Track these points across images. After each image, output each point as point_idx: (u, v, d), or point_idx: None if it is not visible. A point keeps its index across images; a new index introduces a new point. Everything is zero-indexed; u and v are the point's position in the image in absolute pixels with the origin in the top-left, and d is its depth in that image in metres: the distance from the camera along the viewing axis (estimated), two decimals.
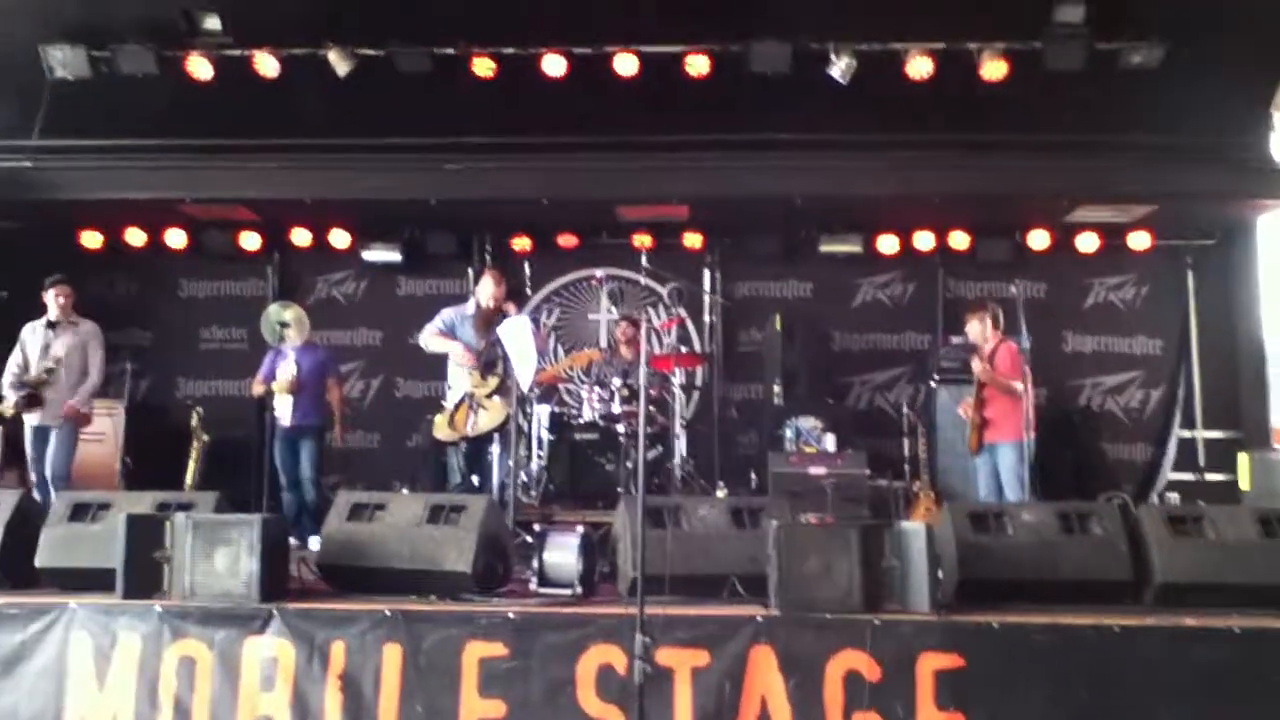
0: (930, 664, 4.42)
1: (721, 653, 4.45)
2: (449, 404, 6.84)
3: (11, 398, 7.01)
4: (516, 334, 6.12)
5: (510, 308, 6.94)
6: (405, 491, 7.05)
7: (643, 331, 4.47)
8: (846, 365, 9.80)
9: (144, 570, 4.77)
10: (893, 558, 4.65)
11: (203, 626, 4.60)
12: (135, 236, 9.88)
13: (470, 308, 7.02)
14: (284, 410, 7.66)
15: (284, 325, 7.43)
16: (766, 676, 4.42)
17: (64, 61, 8.21)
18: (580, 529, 5.08)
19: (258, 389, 7.95)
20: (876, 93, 8.03)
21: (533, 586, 5.05)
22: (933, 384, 8.75)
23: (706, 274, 9.88)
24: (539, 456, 8.09)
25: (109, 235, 9.87)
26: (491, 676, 4.47)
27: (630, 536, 4.93)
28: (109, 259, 9.98)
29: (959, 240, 9.58)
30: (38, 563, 5.07)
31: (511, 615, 4.55)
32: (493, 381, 6.69)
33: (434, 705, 4.46)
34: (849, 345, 9.86)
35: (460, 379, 6.83)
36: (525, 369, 6.13)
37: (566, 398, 9.05)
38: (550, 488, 7.85)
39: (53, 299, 7.27)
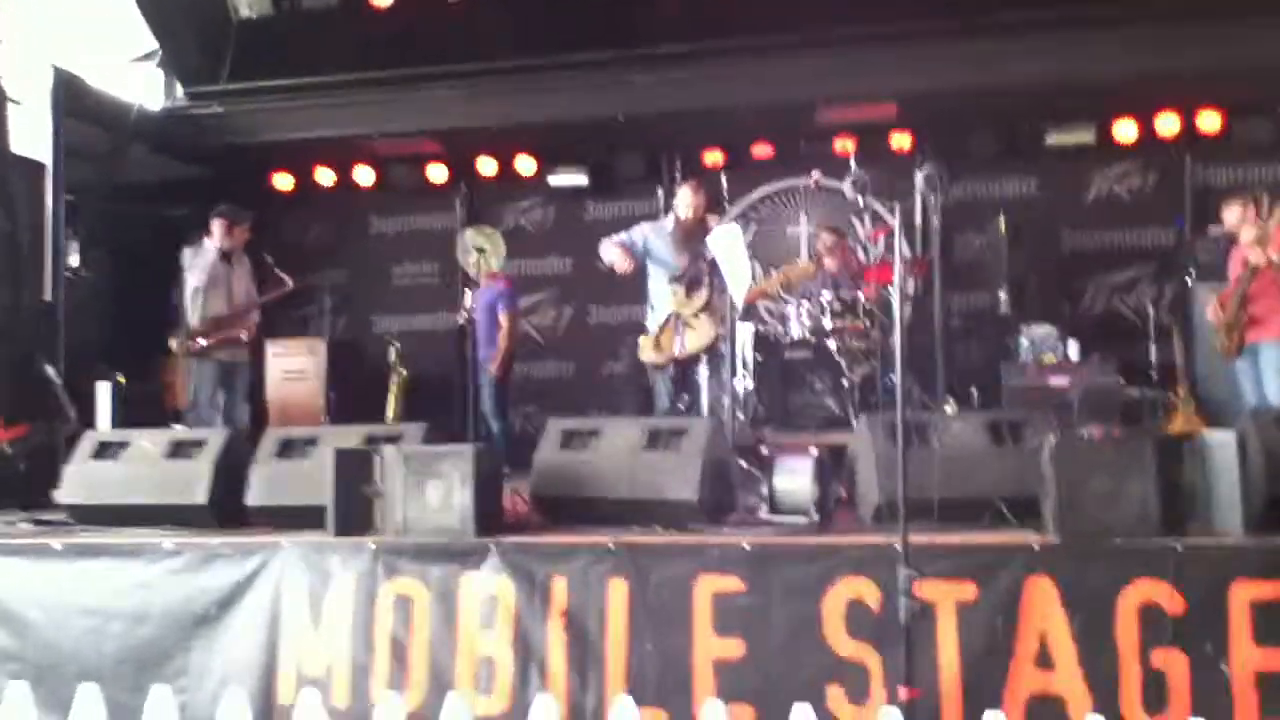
0: (1245, 593, 3.71)
1: (991, 586, 3.86)
2: (652, 325, 6.38)
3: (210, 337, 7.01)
4: (728, 244, 5.58)
5: (712, 220, 6.40)
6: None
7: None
8: (1079, 267, 8.85)
9: (355, 506, 4.53)
10: (1194, 474, 3.94)
11: (418, 563, 4.32)
12: (325, 176, 9.81)
13: (669, 222, 6.53)
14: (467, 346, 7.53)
15: (480, 251, 7.13)
16: (1045, 611, 3.81)
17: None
18: (814, 450, 4.55)
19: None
20: None
21: (763, 515, 4.59)
22: (1188, 281, 7.74)
23: (918, 177, 9.06)
24: (744, 377, 7.57)
25: (299, 177, 9.84)
26: (727, 612, 4.02)
27: (875, 457, 4.37)
28: (300, 201, 9.95)
29: (1209, 122, 8.43)
30: (248, 501, 4.91)
31: (747, 546, 4.08)
32: (699, 299, 6.20)
33: (665, 644, 4.05)
34: (1081, 245, 8.90)
35: (663, 298, 6.37)
36: (739, 282, 5.58)
37: (766, 316, 8.46)
38: (759, 410, 7.34)
39: (240, 235, 7.19)
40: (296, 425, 7.01)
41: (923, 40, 7.77)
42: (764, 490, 4.66)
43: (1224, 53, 7.55)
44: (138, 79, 9.02)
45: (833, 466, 4.82)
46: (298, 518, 4.74)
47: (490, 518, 4.42)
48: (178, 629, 4.44)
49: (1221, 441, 3.91)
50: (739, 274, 5.56)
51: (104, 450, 5.26)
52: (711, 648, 4.00)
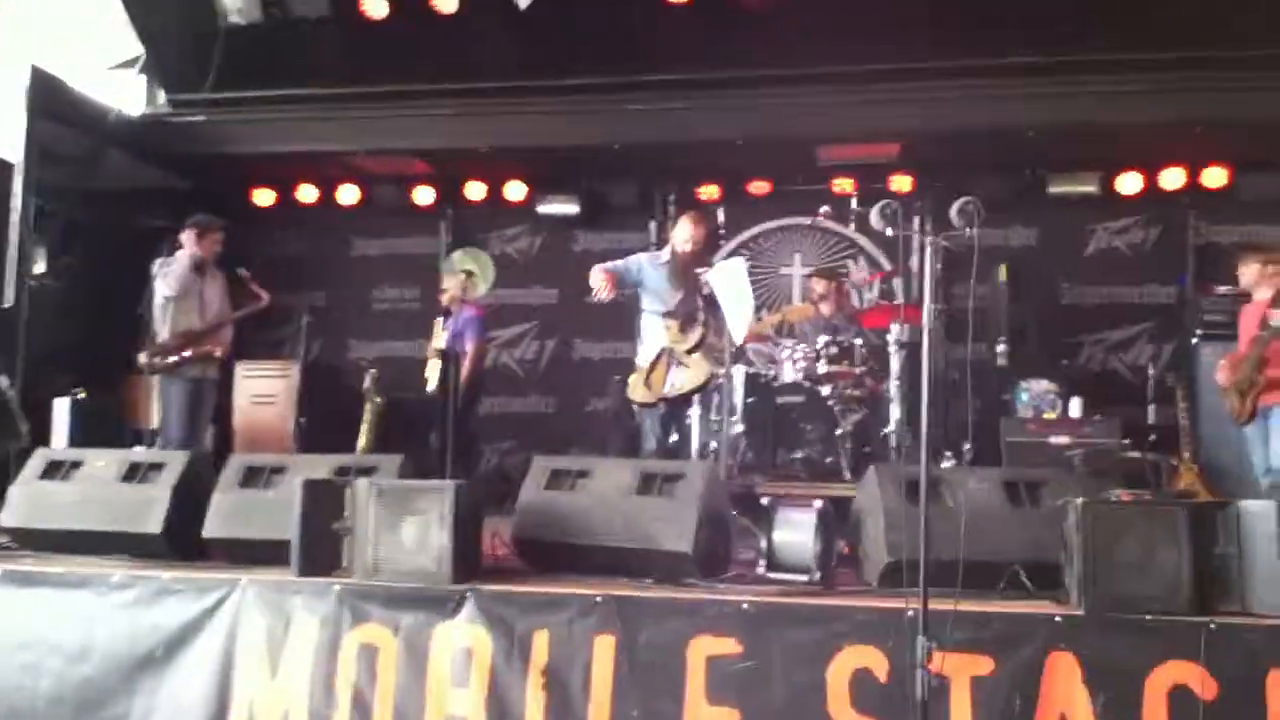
0: None
1: (1010, 659, 3.57)
2: (642, 361, 6.08)
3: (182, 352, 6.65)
4: (730, 278, 5.31)
5: (709, 256, 6.13)
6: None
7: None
8: (1076, 322, 8.64)
9: (322, 543, 4.20)
10: (1229, 545, 3.67)
11: (387, 609, 4.00)
12: (307, 193, 9.48)
13: (665, 254, 6.23)
14: (431, 375, 7.37)
15: (469, 274, 6.84)
16: (1068, 690, 3.53)
17: (236, 4, 7.83)
18: (818, 503, 4.25)
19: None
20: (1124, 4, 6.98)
21: (760, 570, 4.27)
22: (1193, 341, 7.53)
23: (916, 222, 8.87)
24: (732, 422, 7.28)
25: (281, 192, 9.52)
26: (722, 678, 3.71)
27: (884, 513, 4.08)
28: (280, 217, 9.62)
29: (1215, 177, 8.28)
30: (206, 533, 4.56)
31: (746, 605, 3.78)
32: (693, 336, 5.90)
33: (653, 709, 3.75)
34: (1080, 299, 8.69)
35: (655, 333, 6.06)
36: (740, 319, 5.31)
37: (754, 358, 8.18)
38: (749, 456, 7.06)
39: (210, 244, 6.85)
40: (264, 452, 6.66)
41: (930, 79, 7.57)
42: (761, 544, 4.35)
43: (1233, 106, 7.40)
44: (119, 87, 8.71)
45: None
46: (259, 553, 4.43)
47: (469, 562, 4.10)
48: (121, 670, 4.10)
49: (1260, 511, 3.65)
50: (741, 311, 5.28)
51: (54, 470, 4.92)
52: (704, 716, 3.70)
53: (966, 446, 7.39)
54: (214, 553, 4.61)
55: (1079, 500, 3.67)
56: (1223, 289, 7.45)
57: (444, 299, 7.72)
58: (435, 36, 7.76)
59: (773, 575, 4.21)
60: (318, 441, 7.49)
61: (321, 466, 4.74)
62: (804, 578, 4.15)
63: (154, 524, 4.61)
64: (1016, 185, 8.56)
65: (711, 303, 5.97)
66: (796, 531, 4.23)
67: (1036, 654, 3.55)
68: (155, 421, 7.43)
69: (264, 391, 8.41)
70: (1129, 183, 8.44)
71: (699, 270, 6.06)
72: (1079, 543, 3.62)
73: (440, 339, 7.46)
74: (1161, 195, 8.45)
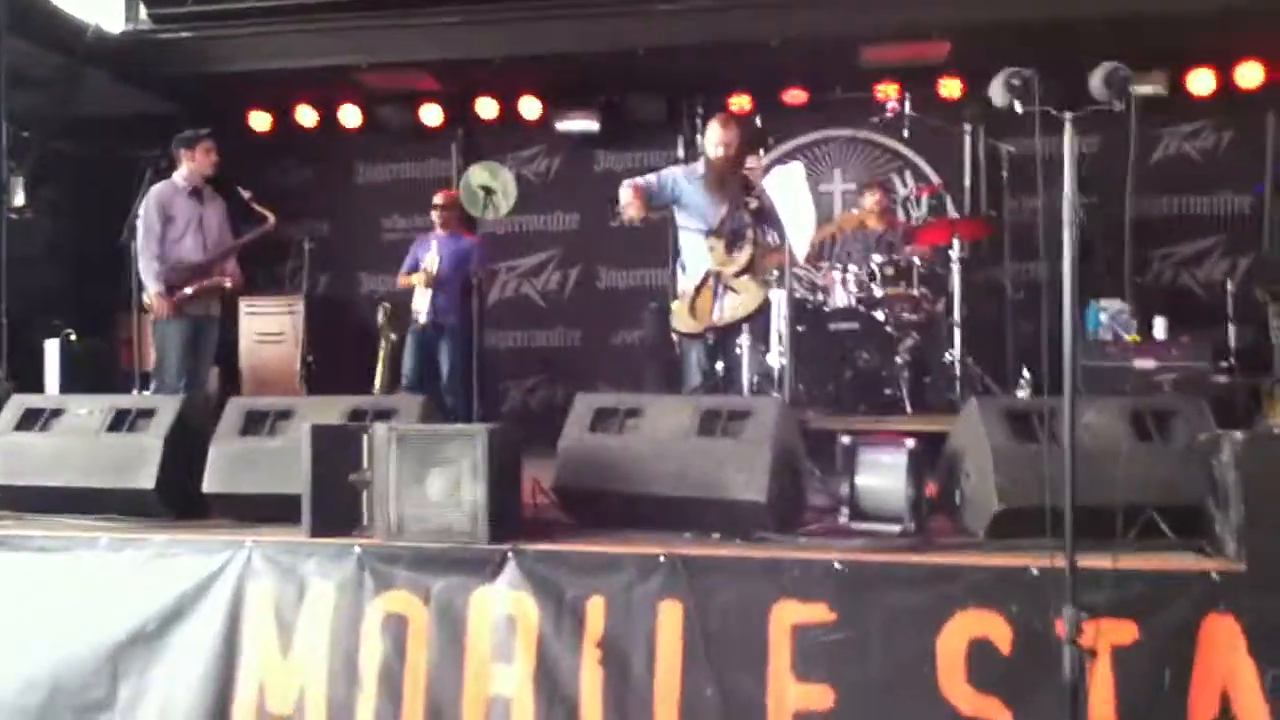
0: None
1: (1157, 625, 3.01)
2: (686, 286, 5.46)
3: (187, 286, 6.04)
4: (789, 185, 4.66)
5: (753, 161, 5.47)
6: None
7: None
8: (1143, 236, 7.98)
9: (337, 498, 3.63)
10: None
11: (416, 573, 3.45)
12: (306, 116, 8.83)
13: (700, 166, 5.57)
14: (421, 305, 6.96)
15: (488, 192, 6.19)
16: (1229, 662, 2.97)
17: None
18: (910, 442, 3.66)
19: (400, 282, 7.23)
20: None
21: (843, 521, 3.70)
22: None
23: (967, 130, 8.19)
24: (779, 352, 6.68)
25: (278, 115, 8.85)
26: (812, 650, 3.16)
27: (992, 453, 3.49)
28: (279, 143, 8.97)
29: None
30: (205, 487, 3.99)
31: (838, 564, 3.21)
32: (742, 257, 5.27)
33: (731, 688, 3.19)
34: (1147, 211, 8.02)
35: (698, 255, 5.43)
36: (802, 231, 4.68)
37: (794, 283, 7.54)
38: (799, 389, 6.47)
39: (204, 157, 6.19)
40: (272, 394, 6.10)
41: None
42: (838, 489, 3.78)
43: None
44: (98, 3, 7.99)
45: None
46: (266, 510, 3.87)
47: (508, 518, 3.52)
48: (106, 648, 3.56)
49: None
50: (803, 221, 4.65)
51: (31, 419, 4.33)
52: (791, 695, 3.14)
53: (1025, 375, 6.82)
54: (215, 510, 4.05)
55: (1238, 434, 3.07)
56: None
57: (438, 219, 7.22)
58: None
59: (858, 525, 3.65)
60: (329, 382, 6.93)
61: (333, 410, 4.16)
62: (896, 528, 3.59)
63: (146, 478, 4.04)
64: (1073, 86, 7.82)
65: (760, 216, 5.35)
66: (885, 475, 3.66)
67: (1189, 618, 2.99)
68: None
69: (270, 330, 7.86)
70: (1200, 81, 7.72)
71: (739, 180, 5.41)
72: (1237, 485, 3.03)
73: (432, 263, 6.96)
74: (1236, 95, 7.72)
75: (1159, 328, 6.54)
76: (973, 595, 3.09)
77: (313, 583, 3.50)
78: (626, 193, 5.32)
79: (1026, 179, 7.77)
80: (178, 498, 4.03)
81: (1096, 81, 2.84)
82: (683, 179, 5.56)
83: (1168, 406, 3.65)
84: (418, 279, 7.01)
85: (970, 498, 3.66)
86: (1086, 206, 7.30)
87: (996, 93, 2.90)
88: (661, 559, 3.29)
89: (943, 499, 3.97)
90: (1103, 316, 6.70)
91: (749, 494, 3.52)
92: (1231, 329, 7.14)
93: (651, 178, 5.55)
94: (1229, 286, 7.28)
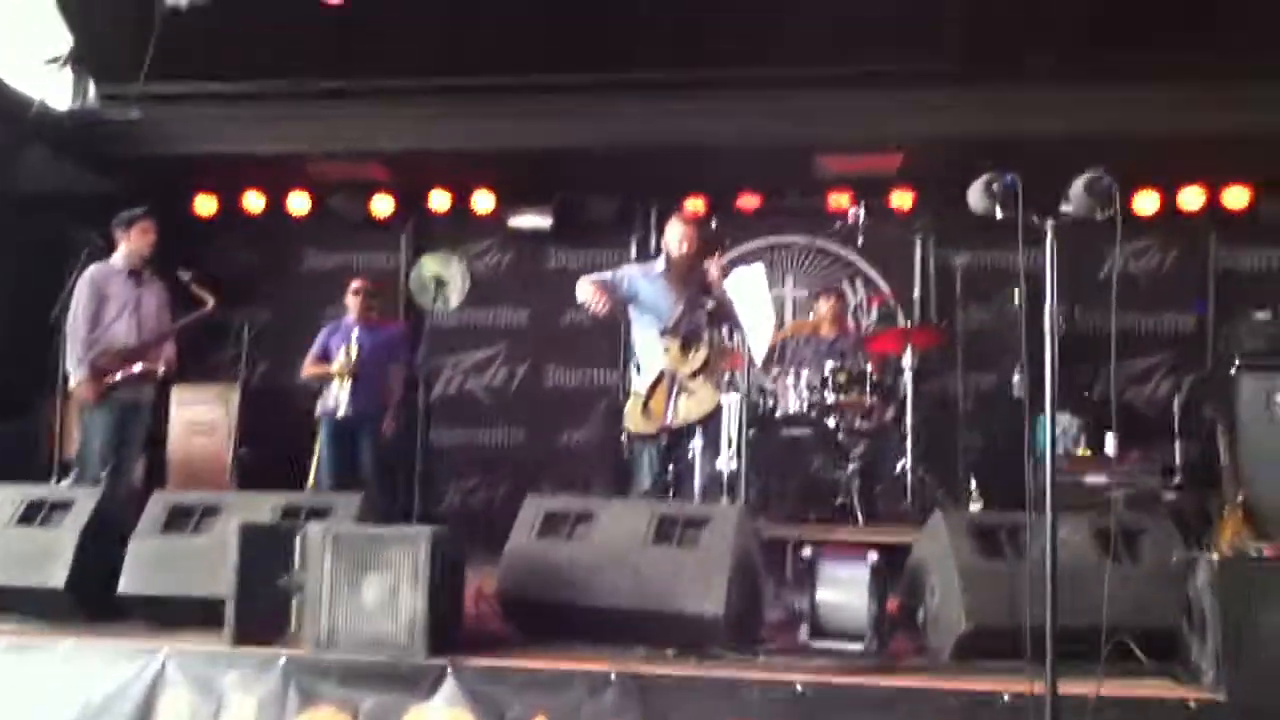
0: None
1: None
2: (639, 387, 5.32)
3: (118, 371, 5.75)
4: (750, 287, 4.59)
5: (711, 263, 5.38)
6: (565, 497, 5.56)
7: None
8: (1091, 351, 8.02)
9: (265, 603, 3.39)
10: None
11: (345, 689, 3.20)
12: (254, 201, 8.66)
13: (660, 264, 5.48)
14: (340, 397, 6.55)
15: (440, 283, 6.03)
16: None
17: None
18: (872, 556, 3.52)
19: (309, 370, 6.86)
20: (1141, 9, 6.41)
21: (802, 638, 3.53)
22: (1232, 371, 6.92)
23: (917, 241, 8.25)
24: (729, 457, 6.54)
25: (225, 199, 8.67)
26: None
27: (958, 569, 3.36)
28: (224, 227, 8.76)
29: (1236, 197, 7.75)
30: (122, 588, 3.72)
31: (799, 687, 3.02)
32: (697, 357, 5.15)
33: None
34: (1094, 327, 8.08)
35: (652, 354, 5.31)
36: (761, 333, 4.59)
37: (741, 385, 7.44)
38: (750, 495, 6.32)
39: (140, 237, 5.98)
40: (202, 488, 5.82)
41: (937, 85, 6.97)
42: (799, 604, 3.62)
43: (1257, 119, 6.88)
44: (48, 83, 7.82)
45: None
46: (185, 614, 3.60)
47: (448, 630, 3.31)
48: None
49: None
50: (762, 323, 4.56)
51: None
52: None
53: (973, 486, 6.75)
54: (132, 613, 3.77)
55: (1214, 556, 2.97)
56: (1261, 314, 6.88)
57: (355, 306, 6.92)
58: (399, 25, 7.01)
59: (818, 644, 3.47)
60: (261, 476, 6.64)
61: (264, 507, 3.94)
62: (857, 646, 3.42)
63: (56, 577, 3.78)
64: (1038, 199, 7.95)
65: (716, 318, 5.26)
66: (847, 590, 3.52)
67: None
68: None
69: (201, 419, 7.54)
70: (1145, 202, 7.88)
71: (699, 278, 5.32)
72: (1215, 610, 2.92)
73: (351, 352, 6.63)
74: (1179, 216, 7.89)
75: (1109, 443, 6.51)
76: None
77: (232, 697, 3.23)
78: (588, 289, 5.22)
79: (979, 290, 7.82)
80: (92, 599, 3.77)
81: (1078, 189, 2.79)
82: (640, 277, 5.47)
83: (1135, 525, 3.56)
84: (336, 369, 6.63)
85: (935, 616, 3.51)
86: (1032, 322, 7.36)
87: (975, 198, 2.85)
88: (612, 676, 3.09)
89: (904, 616, 3.82)
90: (1057, 430, 6.66)
91: (706, 607, 3.34)
92: (1178, 445, 7.16)
93: (608, 275, 5.46)
94: (1175, 404, 7.31)
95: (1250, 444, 6.46)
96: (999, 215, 2.86)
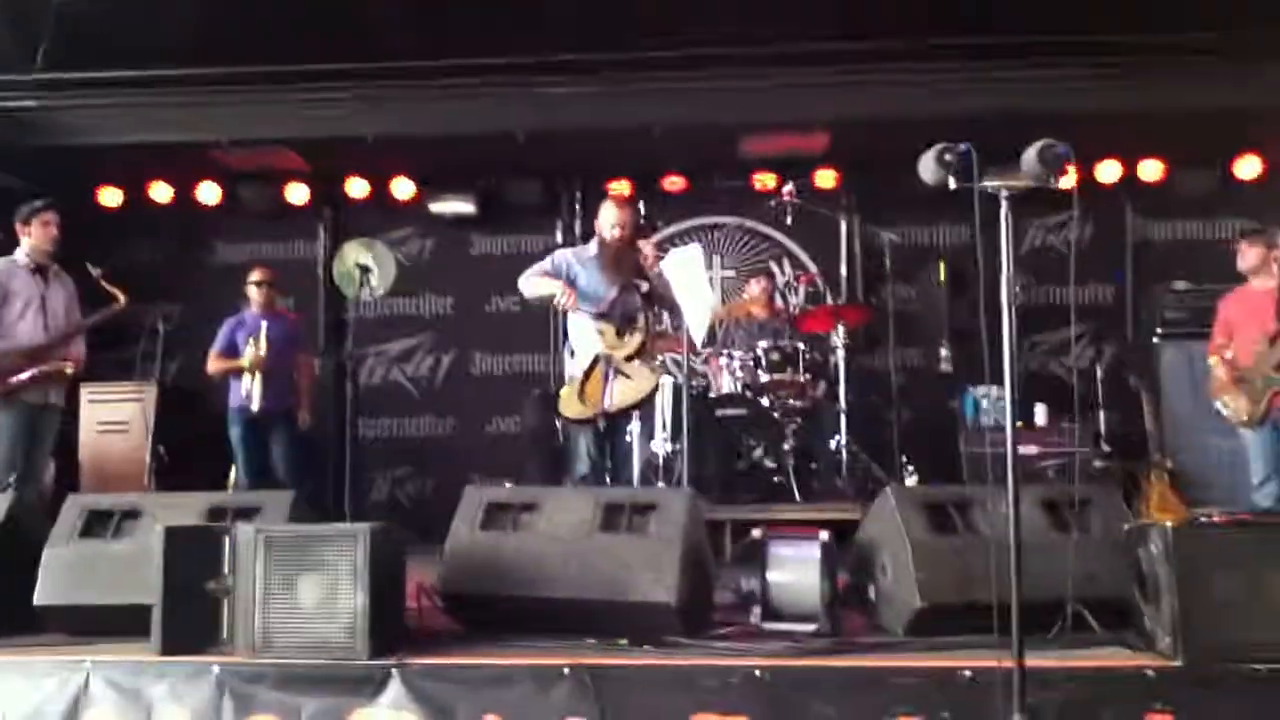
0: None
1: None
2: (575, 371, 5.21)
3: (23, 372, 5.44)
4: (688, 268, 4.51)
5: (645, 245, 5.30)
6: (508, 485, 5.44)
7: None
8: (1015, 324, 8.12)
9: (193, 610, 3.22)
10: None
11: (284, 694, 3.06)
12: (161, 192, 8.34)
13: (592, 247, 5.38)
14: (252, 391, 6.35)
15: (365, 270, 5.84)
16: None
17: None
18: (823, 535, 3.47)
19: (216, 366, 6.60)
20: None
21: (754, 621, 3.47)
22: (1154, 340, 7.04)
23: (842, 220, 8.26)
24: (664, 439, 6.47)
25: (130, 191, 8.34)
26: None
27: (911, 546, 3.32)
28: (130, 220, 8.43)
29: (1151, 170, 7.90)
30: (37, 599, 3.51)
31: (758, 672, 2.96)
32: (633, 341, 5.06)
33: None
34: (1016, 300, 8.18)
35: (587, 339, 5.20)
36: (699, 315, 4.52)
37: (672, 367, 7.35)
38: (684, 478, 6.27)
39: (41, 230, 5.69)
40: (116, 490, 5.56)
41: (861, 62, 6.95)
42: (750, 587, 3.56)
43: (1173, 95, 7.01)
44: None
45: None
46: (108, 624, 3.41)
47: (391, 629, 3.17)
48: None
49: None
50: (700, 304, 4.48)
51: None
52: None
53: (905, 460, 6.80)
54: (49, 625, 3.56)
55: (1168, 525, 2.97)
56: (1180, 285, 7.03)
57: (260, 298, 6.72)
58: (309, 8, 6.78)
59: (771, 626, 3.41)
60: (181, 477, 6.39)
61: (188, 508, 3.75)
62: (810, 627, 3.37)
63: None
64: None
65: (651, 299, 5.17)
66: (798, 571, 3.46)
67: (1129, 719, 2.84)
68: None
69: (113, 418, 7.23)
70: (1064, 176, 7.97)
71: (633, 261, 5.23)
72: (1170, 577, 2.92)
73: (261, 346, 6.43)
74: (1097, 188, 8.01)
75: (1040, 414, 6.59)
76: (903, 701, 2.88)
77: (163, 709, 3.07)
78: (544, 283, 5.14)
79: (905, 267, 7.86)
80: (4, 612, 3.53)
81: (1030, 156, 2.75)
82: (575, 262, 5.36)
83: (1082, 495, 3.56)
84: (247, 362, 6.40)
85: (887, 593, 3.47)
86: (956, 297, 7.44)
87: (927, 169, 2.79)
88: (565, 670, 2.99)
89: (851, 593, 3.79)
90: (983, 403, 6.73)
91: (658, 595, 3.26)
92: (1102, 415, 7.27)
93: (546, 264, 5.35)
94: (1098, 373, 7.42)
95: (1173, 412, 6.58)
96: (952, 185, 2.79)
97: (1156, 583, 2.99)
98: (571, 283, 5.19)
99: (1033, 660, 2.78)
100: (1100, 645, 3.10)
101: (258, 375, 6.35)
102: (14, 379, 5.45)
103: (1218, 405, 5.37)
